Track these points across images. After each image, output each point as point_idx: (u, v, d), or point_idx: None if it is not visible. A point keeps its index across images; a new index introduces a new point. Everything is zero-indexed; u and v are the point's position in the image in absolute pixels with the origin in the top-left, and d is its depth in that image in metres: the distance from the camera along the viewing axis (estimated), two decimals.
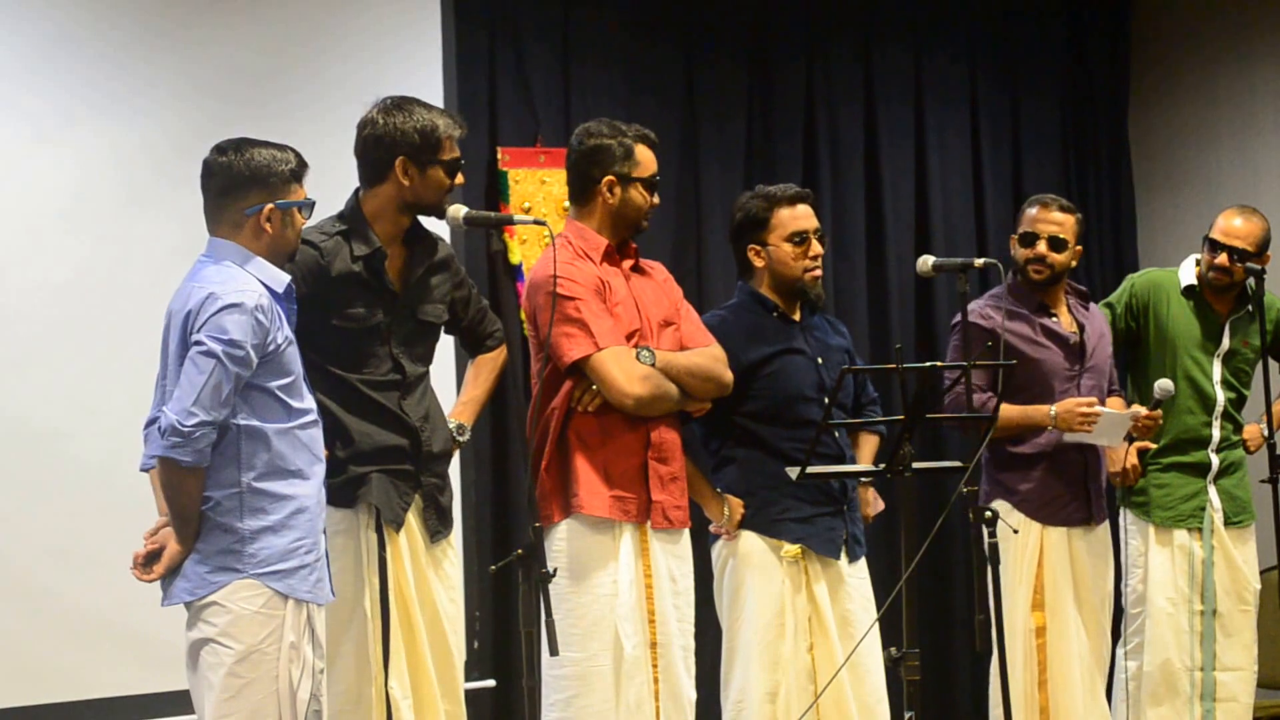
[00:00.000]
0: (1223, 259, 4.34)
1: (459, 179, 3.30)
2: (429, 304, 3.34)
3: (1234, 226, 4.36)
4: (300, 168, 3.00)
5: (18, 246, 4.05)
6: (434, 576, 3.28)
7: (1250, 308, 4.45)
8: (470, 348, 3.57)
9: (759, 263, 3.80)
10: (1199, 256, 4.45)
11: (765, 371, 3.72)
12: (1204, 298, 4.43)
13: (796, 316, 3.83)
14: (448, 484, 3.36)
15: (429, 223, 3.38)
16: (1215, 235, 4.38)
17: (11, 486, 3.98)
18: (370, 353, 3.23)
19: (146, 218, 4.15)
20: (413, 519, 3.25)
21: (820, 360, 3.78)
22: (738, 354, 3.70)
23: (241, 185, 2.93)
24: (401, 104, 3.27)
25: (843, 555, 3.74)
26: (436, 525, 3.29)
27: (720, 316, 3.82)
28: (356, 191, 3.31)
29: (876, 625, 3.75)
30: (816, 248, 3.78)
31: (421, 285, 3.32)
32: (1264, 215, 4.43)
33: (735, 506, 3.68)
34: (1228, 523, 4.40)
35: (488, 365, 3.53)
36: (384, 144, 3.22)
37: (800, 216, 3.77)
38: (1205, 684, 4.35)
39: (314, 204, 3.06)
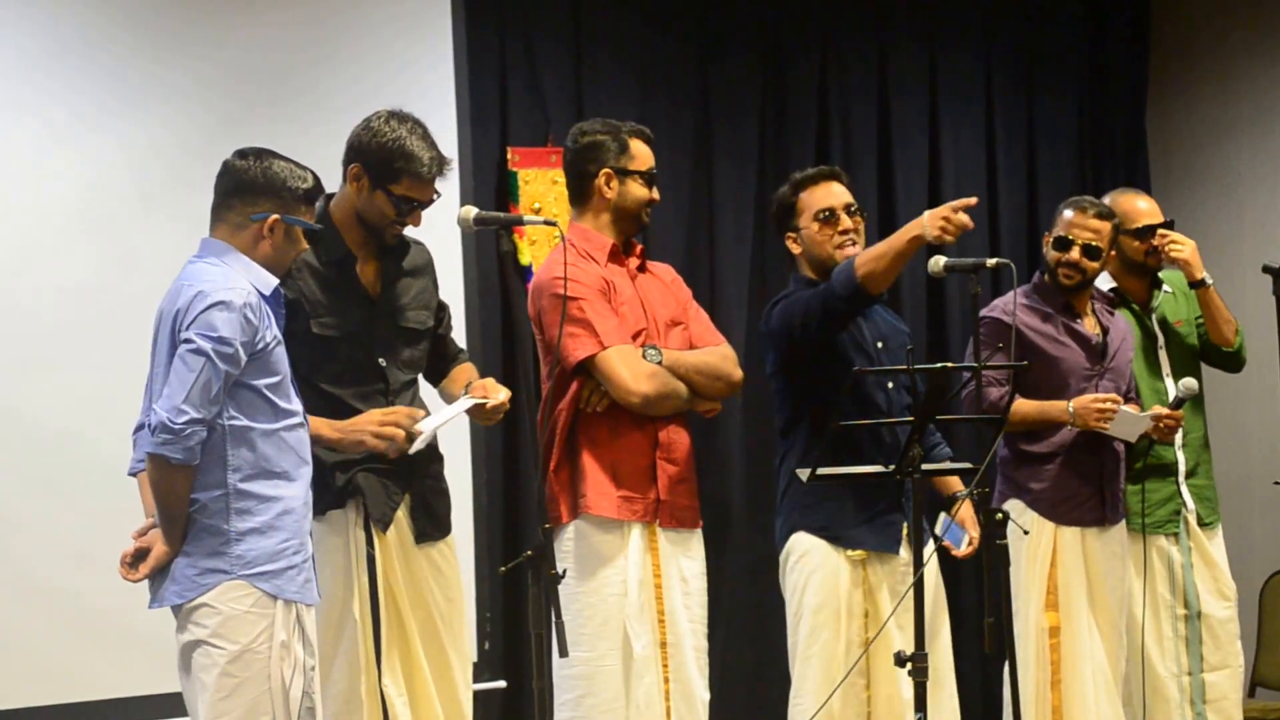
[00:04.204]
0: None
1: (414, 220, 3.22)
2: (411, 310, 3.32)
3: (1142, 208, 4.36)
4: (315, 191, 3.01)
5: (31, 248, 4.07)
6: (428, 576, 3.27)
7: (1166, 288, 4.43)
8: (436, 367, 3.45)
9: (796, 249, 3.75)
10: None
11: (844, 362, 3.64)
12: (1124, 298, 4.42)
13: None
14: (444, 488, 3.35)
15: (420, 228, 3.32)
16: (1147, 221, 4.34)
17: (27, 488, 4.00)
18: (353, 362, 3.22)
19: (158, 220, 4.16)
20: (403, 518, 3.25)
21: (880, 345, 3.73)
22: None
23: (252, 190, 2.94)
24: (395, 116, 3.21)
25: (902, 549, 3.68)
26: (425, 527, 3.27)
27: (784, 296, 3.73)
28: (329, 196, 3.29)
29: (947, 628, 3.73)
30: (846, 222, 3.68)
31: (401, 290, 3.30)
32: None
33: None
34: (1200, 524, 4.39)
35: (470, 368, 3.48)
36: (351, 147, 3.22)
37: (828, 194, 3.70)
38: (1194, 687, 4.34)
39: (320, 230, 3.07)
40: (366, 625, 3.17)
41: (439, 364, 3.47)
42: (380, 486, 3.21)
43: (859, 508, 3.65)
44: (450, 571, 3.33)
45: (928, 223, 3.48)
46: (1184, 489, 4.38)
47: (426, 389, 3.47)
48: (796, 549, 3.68)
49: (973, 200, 3.52)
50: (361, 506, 3.19)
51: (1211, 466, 4.47)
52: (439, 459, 3.36)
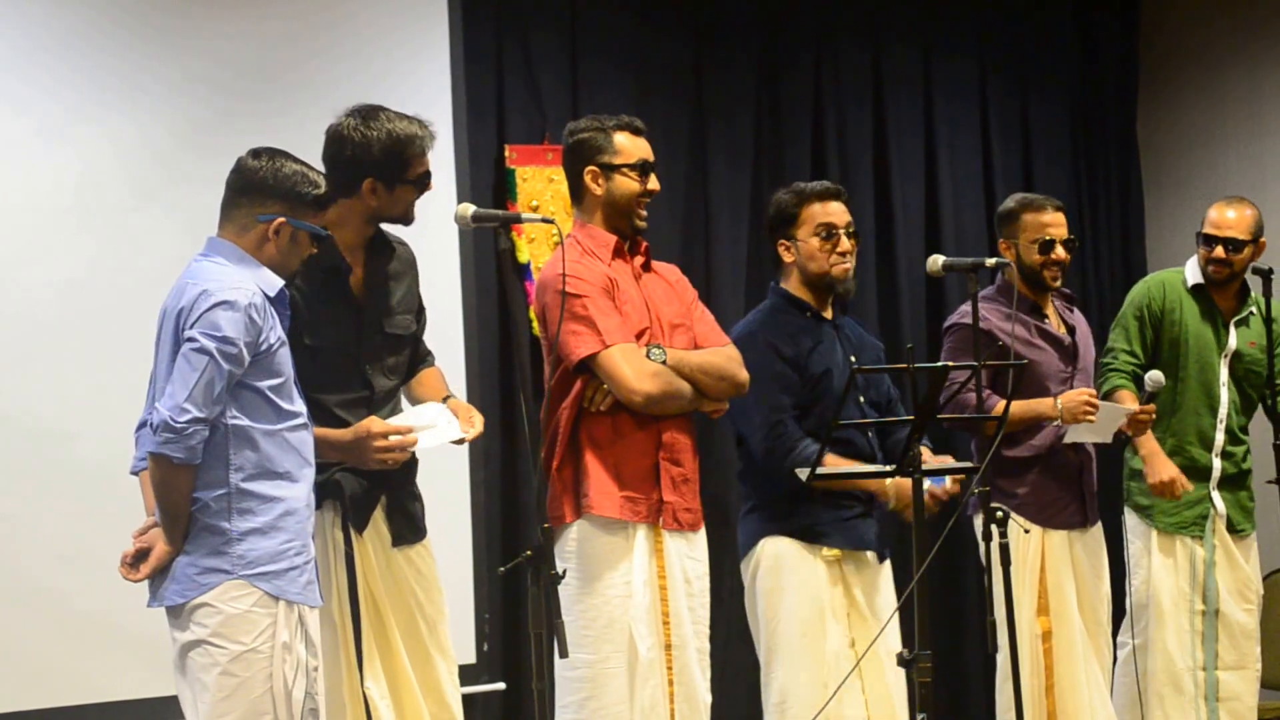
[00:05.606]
0: (1219, 251, 4.36)
1: (429, 186, 3.26)
2: (397, 315, 3.29)
3: (1227, 218, 4.38)
4: (326, 198, 2.99)
5: (22, 245, 4.03)
6: (409, 577, 3.24)
7: (1254, 309, 4.45)
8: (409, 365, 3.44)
9: (789, 258, 3.81)
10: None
11: (806, 375, 3.72)
12: (1209, 296, 4.42)
13: (828, 314, 3.84)
14: (418, 492, 3.32)
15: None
16: (1208, 230, 4.41)
17: (17, 488, 3.95)
18: (338, 370, 3.19)
19: (151, 216, 4.13)
20: (380, 520, 3.22)
21: (855, 359, 3.78)
22: (784, 354, 3.70)
23: (261, 190, 2.93)
24: (369, 118, 3.18)
25: (870, 553, 3.74)
26: (401, 529, 3.25)
27: (752, 326, 3.81)
28: None
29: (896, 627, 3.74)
30: (845, 243, 3.77)
31: (387, 295, 3.28)
32: (1254, 203, 4.45)
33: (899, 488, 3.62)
34: (1231, 529, 4.41)
35: (438, 373, 3.45)
36: (353, 164, 3.17)
37: (830, 212, 3.77)
38: (1208, 684, 4.34)
39: (327, 236, 3.05)
40: (346, 627, 3.14)
41: (409, 365, 3.43)
42: (358, 485, 3.18)
43: (831, 511, 3.69)
44: (431, 574, 3.30)
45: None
46: (1215, 495, 4.39)
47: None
48: (768, 553, 3.72)
49: None
50: (338, 507, 3.17)
51: (1252, 476, 4.50)
52: (414, 464, 3.33)
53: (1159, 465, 4.28)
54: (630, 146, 3.50)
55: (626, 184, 3.49)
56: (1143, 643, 4.38)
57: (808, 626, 3.64)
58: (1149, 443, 4.31)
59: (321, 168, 3.11)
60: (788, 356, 3.72)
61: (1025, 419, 4.09)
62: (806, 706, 3.59)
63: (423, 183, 3.23)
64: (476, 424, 3.28)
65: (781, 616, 3.67)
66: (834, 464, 3.63)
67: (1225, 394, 4.41)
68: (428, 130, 3.22)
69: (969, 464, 3.81)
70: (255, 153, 2.97)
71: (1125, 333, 4.45)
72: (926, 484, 3.57)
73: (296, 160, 2.97)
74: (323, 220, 3.04)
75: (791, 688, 3.63)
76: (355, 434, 3.13)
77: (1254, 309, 4.49)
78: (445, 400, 3.34)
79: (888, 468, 3.36)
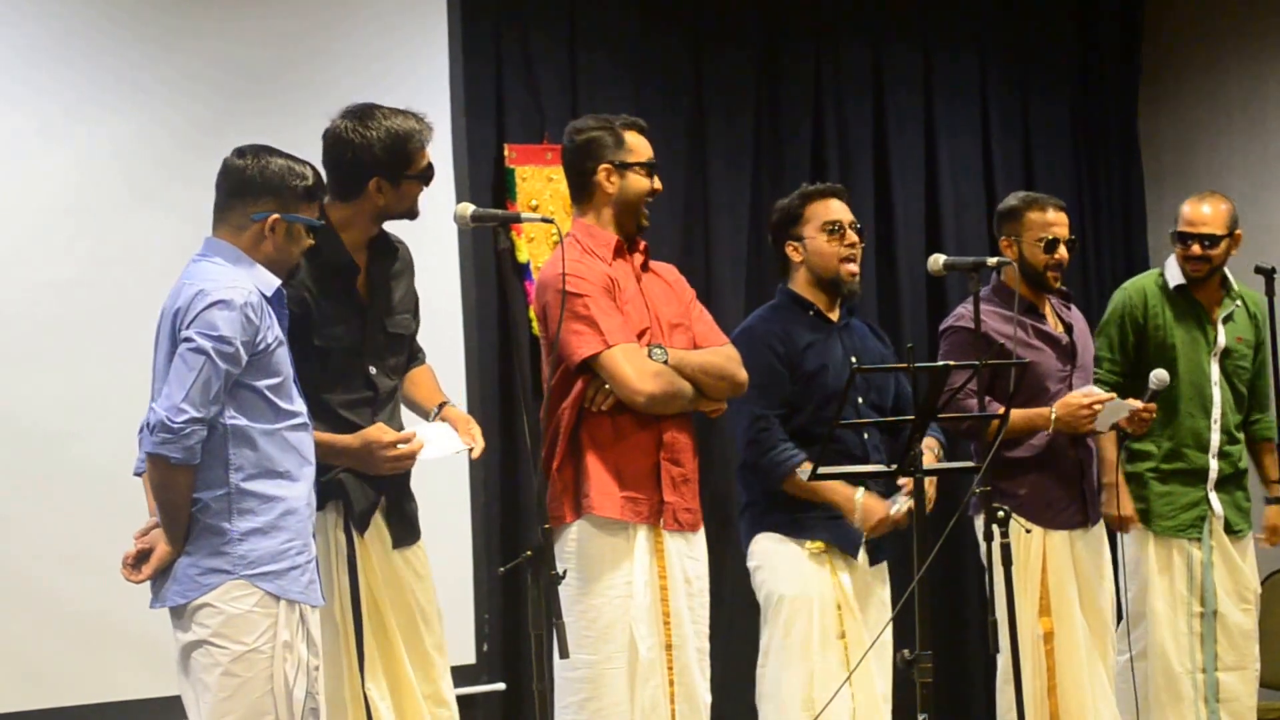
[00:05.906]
0: (1195, 248, 4.34)
1: (432, 178, 3.28)
2: (398, 314, 3.30)
3: (1201, 214, 4.37)
4: (317, 188, 2.99)
5: (22, 244, 4.02)
6: (408, 577, 3.25)
7: (1239, 302, 4.42)
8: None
9: (797, 258, 3.85)
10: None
11: (800, 372, 3.76)
12: (1192, 295, 4.41)
13: (834, 317, 3.86)
14: (412, 494, 3.33)
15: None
16: (1183, 227, 4.39)
17: (16, 488, 3.95)
18: (344, 370, 3.20)
19: (148, 215, 4.12)
20: (380, 521, 3.22)
21: (855, 361, 3.79)
22: (777, 351, 3.74)
23: (251, 189, 2.92)
24: (366, 117, 3.17)
25: (862, 555, 3.76)
26: (399, 531, 3.26)
27: (751, 322, 3.87)
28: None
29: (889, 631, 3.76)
30: (852, 237, 3.83)
31: (389, 294, 3.28)
32: (1227, 196, 4.43)
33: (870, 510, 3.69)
34: (1228, 530, 4.40)
35: (429, 372, 3.46)
36: (355, 165, 3.17)
37: (833, 209, 3.83)
38: (1208, 685, 4.34)
39: (322, 225, 3.05)
40: (348, 628, 3.15)
41: (406, 364, 3.45)
42: (360, 487, 3.18)
43: (817, 508, 3.73)
44: (428, 575, 3.31)
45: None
46: (1212, 496, 4.38)
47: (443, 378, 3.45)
48: (759, 550, 3.79)
49: None
50: (340, 508, 3.17)
51: (1248, 476, 4.49)
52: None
53: (1122, 500, 4.30)
54: (640, 146, 3.54)
55: (639, 182, 3.51)
56: (1141, 649, 4.38)
57: (795, 619, 3.68)
58: (1116, 474, 4.31)
59: (318, 167, 3.10)
60: (780, 353, 3.76)
61: (1022, 430, 4.08)
62: (792, 697, 3.64)
63: (426, 175, 3.24)
64: (477, 437, 3.29)
65: (773, 609, 3.73)
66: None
67: (1218, 393, 4.39)
68: (425, 123, 3.23)
69: (969, 463, 3.81)
70: (240, 152, 2.97)
71: (1109, 341, 4.44)
72: (891, 507, 3.67)
73: (281, 154, 2.97)
74: (319, 216, 3.04)
75: (780, 678, 3.68)
76: (363, 442, 3.14)
77: (1239, 302, 4.47)
78: (441, 406, 3.35)
79: (886, 467, 3.36)
